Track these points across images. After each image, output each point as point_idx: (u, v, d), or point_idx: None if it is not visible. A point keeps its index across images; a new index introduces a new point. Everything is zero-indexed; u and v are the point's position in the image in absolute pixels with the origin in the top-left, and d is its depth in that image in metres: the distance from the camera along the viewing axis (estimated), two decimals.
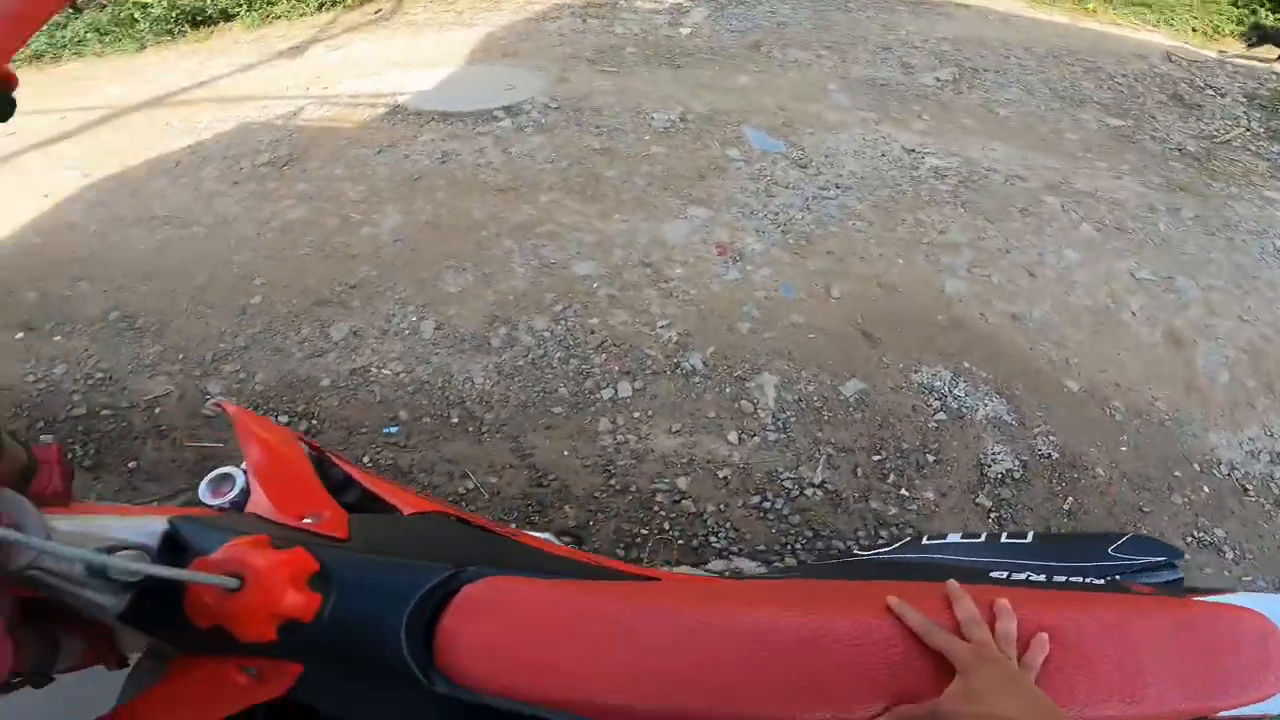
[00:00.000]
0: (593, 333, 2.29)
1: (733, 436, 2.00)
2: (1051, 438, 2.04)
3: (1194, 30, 4.70)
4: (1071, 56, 4.19)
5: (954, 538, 0.86)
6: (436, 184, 2.85)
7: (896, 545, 0.97)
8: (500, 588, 0.46)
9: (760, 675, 0.45)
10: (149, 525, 0.46)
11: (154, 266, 2.44)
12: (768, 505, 1.86)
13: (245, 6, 4.64)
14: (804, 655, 0.46)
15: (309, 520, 0.49)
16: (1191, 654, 0.51)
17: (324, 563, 0.42)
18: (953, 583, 0.54)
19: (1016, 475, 1.96)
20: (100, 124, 3.42)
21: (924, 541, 0.87)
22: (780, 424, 2.02)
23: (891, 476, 1.94)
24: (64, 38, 4.34)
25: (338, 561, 0.44)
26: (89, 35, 4.36)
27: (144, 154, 3.11)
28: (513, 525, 1.56)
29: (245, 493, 0.55)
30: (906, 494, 1.90)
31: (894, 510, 1.86)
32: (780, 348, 2.24)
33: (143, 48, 4.37)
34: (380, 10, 4.74)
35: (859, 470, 1.94)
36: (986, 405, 2.12)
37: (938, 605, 0.52)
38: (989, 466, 1.97)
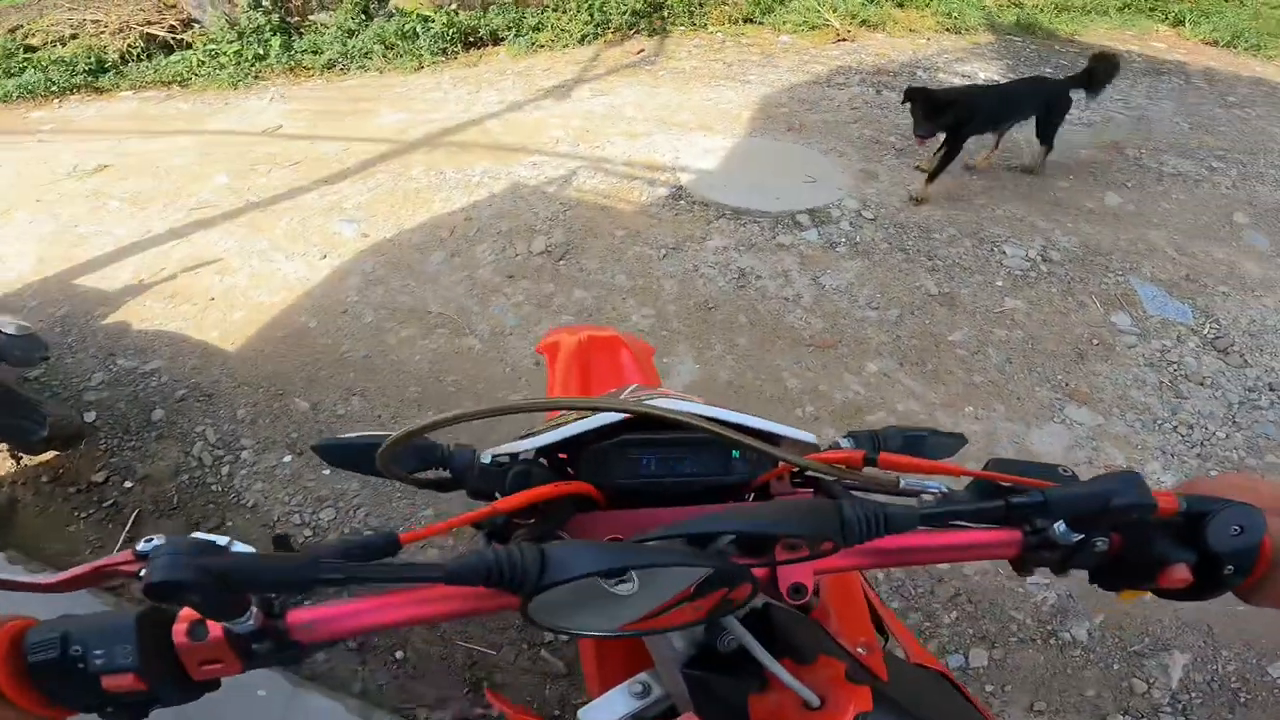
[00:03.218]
0: (940, 581, 1.72)
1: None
2: None
3: None
4: None
5: None
6: (736, 319, 2.36)
7: None
8: None
9: None
10: None
11: (430, 391, 2.17)
12: None
13: (513, 32, 4.54)
14: None
15: (860, 650, 0.50)
16: None
17: (875, 710, 0.42)
18: None
19: None
20: (379, 162, 3.33)
21: None
22: (1181, 706, 1.55)
23: None
24: (354, 47, 4.43)
25: (883, 712, 0.43)
26: (375, 47, 4.43)
27: (420, 213, 2.93)
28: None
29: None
30: None
31: None
32: (1196, 620, 1.65)
33: (420, 67, 4.35)
34: (643, 51, 4.37)
35: None
36: None
37: None
38: None
